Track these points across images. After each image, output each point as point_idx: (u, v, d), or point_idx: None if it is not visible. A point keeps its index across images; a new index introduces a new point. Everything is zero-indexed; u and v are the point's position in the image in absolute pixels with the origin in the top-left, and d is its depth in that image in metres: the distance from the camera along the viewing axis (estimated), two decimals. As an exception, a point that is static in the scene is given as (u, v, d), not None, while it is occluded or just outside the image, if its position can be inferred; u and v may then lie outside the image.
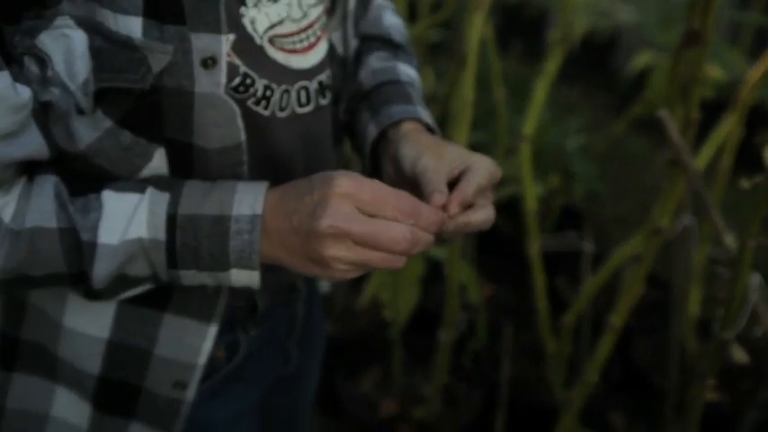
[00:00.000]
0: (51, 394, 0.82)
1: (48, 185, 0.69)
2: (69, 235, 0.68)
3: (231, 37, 0.69)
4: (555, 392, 1.64)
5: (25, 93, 0.65)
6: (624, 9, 3.04)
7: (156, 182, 0.71)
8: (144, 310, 0.77)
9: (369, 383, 1.79)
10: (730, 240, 0.90)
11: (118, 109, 0.67)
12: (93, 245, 0.68)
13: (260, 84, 0.72)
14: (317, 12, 0.76)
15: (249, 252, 0.68)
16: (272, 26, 0.72)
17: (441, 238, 0.73)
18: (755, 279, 0.93)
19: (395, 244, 0.66)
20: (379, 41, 0.93)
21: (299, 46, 0.75)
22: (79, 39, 0.65)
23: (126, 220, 0.69)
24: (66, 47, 0.65)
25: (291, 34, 0.74)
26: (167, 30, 0.66)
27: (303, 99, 0.77)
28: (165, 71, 0.66)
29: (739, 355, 1.01)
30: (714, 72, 1.77)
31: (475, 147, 2.43)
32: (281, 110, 0.75)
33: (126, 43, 0.65)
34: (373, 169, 0.85)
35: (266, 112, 0.74)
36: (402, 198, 0.68)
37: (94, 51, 0.65)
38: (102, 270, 0.69)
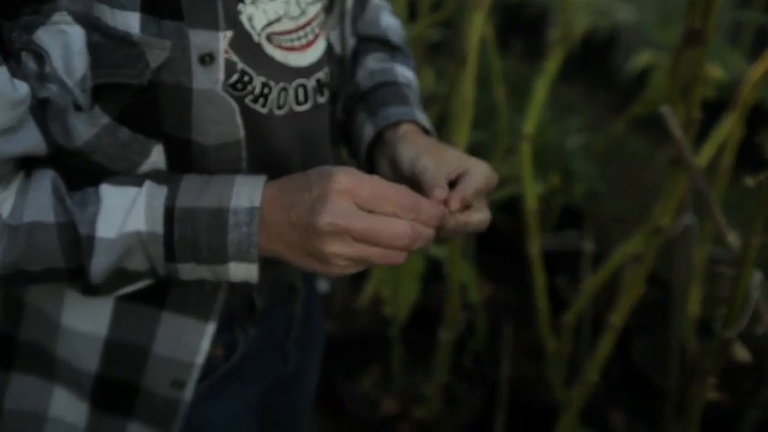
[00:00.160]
0: (49, 394, 0.82)
1: (45, 180, 0.69)
2: (67, 229, 0.68)
3: (229, 34, 0.69)
4: (555, 392, 1.64)
5: (23, 88, 0.65)
6: (624, 8, 3.04)
7: (154, 176, 0.71)
8: (142, 307, 0.77)
9: (369, 382, 1.79)
10: (733, 238, 0.90)
11: (115, 105, 0.67)
12: (91, 238, 0.68)
13: (257, 81, 0.72)
14: (315, 9, 0.76)
15: (247, 245, 0.68)
16: (270, 23, 0.72)
17: (439, 236, 0.73)
18: (757, 277, 0.93)
19: (395, 239, 0.66)
20: (377, 42, 0.93)
21: (296, 43, 0.75)
22: (77, 35, 0.64)
23: (124, 213, 0.68)
24: (63, 43, 0.65)
25: (289, 32, 0.74)
26: (165, 25, 0.66)
27: (301, 97, 0.77)
28: (162, 67, 0.66)
29: (742, 353, 1.01)
30: (715, 71, 1.77)
31: (475, 146, 2.43)
32: (279, 108, 0.75)
33: (124, 39, 0.65)
34: (369, 171, 0.85)
35: (264, 110, 0.74)
36: (402, 193, 0.68)
37: (92, 47, 0.65)
38: (100, 264, 0.69)
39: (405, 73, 0.91)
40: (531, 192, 1.62)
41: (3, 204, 0.68)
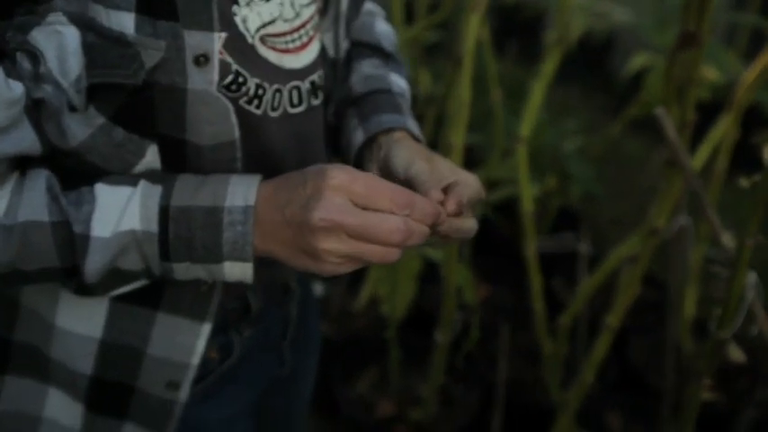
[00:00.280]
0: (44, 395, 0.82)
1: (40, 179, 0.69)
2: (62, 228, 0.68)
3: (223, 35, 0.69)
4: (552, 393, 1.64)
5: (18, 88, 0.65)
6: (620, 11, 3.05)
7: (149, 175, 0.71)
8: (136, 308, 0.77)
9: (365, 385, 1.79)
10: (727, 240, 0.90)
11: (110, 105, 0.67)
12: (85, 237, 0.68)
13: (252, 82, 0.72)
14: (309, 12, 0.76)
15: (242, 243, 0.68)
16: (264, 25, 0.72)
17: (429, 241, 0.72)
18: (752, 278, 0.93)
19: (389, 236, 0.65)
20: (370, 49, 0.93)
21: (291, 46, 0.75)
22: (72, 35, 0.65)
23: (119, 212, 0.68)
24: (58, 43, 0.65)
25: (283, 34, 0.74)
26: (160, 26, 0.66)
27: (295, 99, 0.77)
28: (157, 67, 0.67)
29: (736, 354, 1.02)
30: (710, 73, 1.77)
31: (472, 148, 2.43)
32: (274, 109, 0.75)
33: (119, 39, 0.65)
34: None
35: (258, 111, 0.74)
36: (397, 190, 0.68)
37: (87, 47, 0.65)
38: (94, 263, 0.69)
39: (399, 82, 0.91)
40: (528, 194, 1.63)
41: None
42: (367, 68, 0.90)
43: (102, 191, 0.69)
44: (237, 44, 0.71)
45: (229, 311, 0.83)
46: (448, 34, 2.92)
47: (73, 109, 0.67)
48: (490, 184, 2.08)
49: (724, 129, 1.47)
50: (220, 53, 0.69)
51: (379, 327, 1.80)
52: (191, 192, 0.69)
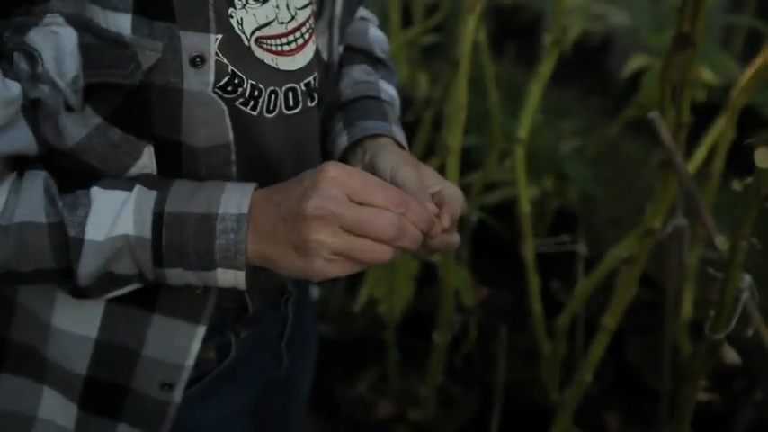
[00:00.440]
0: (39, 395, 0.83)
1: (37, 181, 0.69)
2: (58, 230, 0.69)
3: (219, 37, 0.70)
4: (550, 393, 1.65)
5: (15, 88, 0.66)
6: (617, 13, 3.06)
7: (145, 180, 0.71)
8: (132, 310, 0.77)
9: (364, 385, 1.80)
10: (720, 242, 0.91)
11: (107, 105, 0.68)
12: (79, 241, 0.68)
13: (248, 84, 0.73)
14: (305, 15, 0.77)
15: (235, 251, 0.68)
16: (260, 27, 0.73)
17: (417, 253, 0.73)
18: (746, 280, 0.94)
19: (383, 229, 0.65)
20: (362, 54, 0.94)
21: (286, 48, 0.75)
22: (68, 36, 0.65)
23: (113, 216, 0.69)
24: (55, 44, 0.65)
25: (279, 36, 0.75)
26: (157, 27, 0.66)
27: (291, 101, 0.77)
28: (154, 68, 0.67)
29: (731, 355, 1.02)
30: (706, 75, 1.78)
31: (469, 150, 2.43)
32: (269, 111, 0.76)
33: (116, 40, 0.65)
34: None
35: (254, 113, 0.75)
36: (392, 189, 0.68)
37: (84, 48, 0.65)
38: (87, 266, 0.69)
39: (388, 90, 0.92)
40: (525, 195, 1.63)
41: None
42: (357, 74, 0.91)
43: (98, 194, 0.69)
44: (233, 46, 0.71)
45: (226, 312, 0.84)
46: (445, 36, 2.93)
47: (69, 109, 0.67)
48: (488, 186, 2.09)
49: (720, 130, 1.48)
50: (216, 55, 0.70)
51: (378, 328, 1.81)
52: (185, 198, 0.70)
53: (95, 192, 0.70)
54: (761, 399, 1.72)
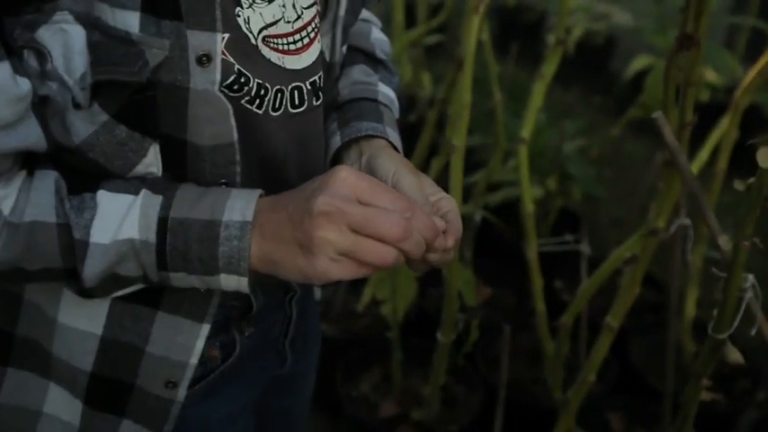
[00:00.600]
0: (44, 390, 0.83)
1: (48, 180, 0.70)
2: (66, 231, 0.69)
3: (226, 36, 0.70)
4: (553, 393, 1.65)
5: (25, 85, 0.66)
6: (620, 13, 3.06)
7: (152, 184, 0.72)
8: (137, 307, 0.78)
9: (368, 385, 1.80)
10: (724, 241, 0.91)
11: (114, 103, 0.68)
12: (84, 243, 0.69)
13: (254, 83, 0.73)
14: (311, 14, 0.77)
15: (238, 258, 0.68)
16: (267, 26, 0.73)
17: (416, 267, 0.73)
18: (750, 279, 0.94)
19: (388, 228, 0.65)
20: (364, 55, 0.95)
21: (293, 47, 0.76)
22: (77, 34, 0.66)
23: (119, 220, 0.69)
24: (64, 42, 0.66)
25: (286, 35, 0.75)
26: (164, 25, 0.67)
27: (297, 100, 0.78)
28: (161, 66, 0.67)
29: (734, 355, 1.02)
30: (709, 75, 1.78)
31: (473, 149, 2.43)
32: (275, 110, 0.76)
33: (123, 38, 0.66)
34: None
35: (260, 111, 0.75)
36: (399, 194, 0.69)
37: (92, 46, 0.66)
38: (92, 268, 0.70)
39: (386, 92, 0.92)
40: (529, 195, 1.63)
41: (3, 201, 0.69)
42: (357, 74, 0.92)
43: (104, 198, 0.70)
44: (240, 45, 0.72)
45: (231, 310, 0.84)
46: (449, 36, 2.93)
47: (77, 106, 0.67)
48: (491, 186, 2.09)
49: (723, 130, 1.48)
50: (223, 53, 0.70)
51: (381, 327, 1.81)
52: (190, 203, 0.70)
53: (101, 195, 0.70)
54: (764, 398, 1.71)
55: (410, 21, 2.29)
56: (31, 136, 0.69)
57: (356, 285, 1.95)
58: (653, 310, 2.03)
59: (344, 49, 0.88)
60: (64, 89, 0.67)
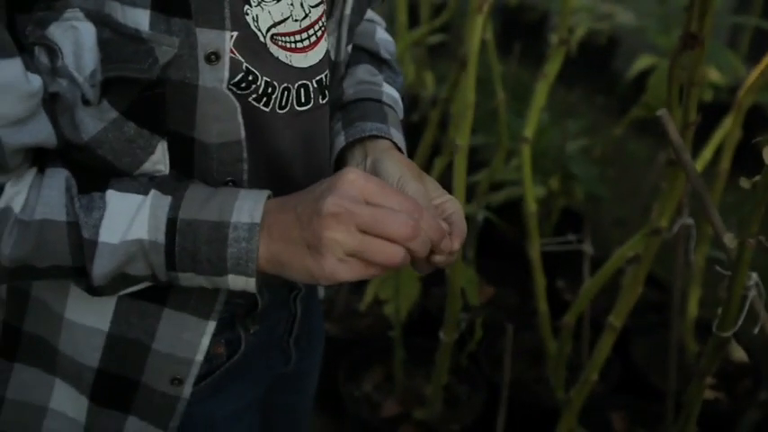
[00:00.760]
0: (50, 386, 0.84)
1: (59, 178, 0.70)
2: (76, 230, 0.70)
3: (234, 34, 0.70)
4: (555, 393, 1.65)
5: (36, 81, 0.67)
6: (623, 12, 3.06)
7: (161, 184, 0.72)
8: (144, 304, 0.78)
9: (370, 384, 1.80)
10: (728, 240, 0.91)
11: (123, 100, 0.69)
12: (93, 243, 0.69)
13: (262, 81, 0.74)
14: (318, 12, 0.78)
15: (246, 260, 0.69)
16: (275, 24, 0.73)
17: (419, 268, 0.73)
18: (754, 278, 0.94)
19: (397, 227, 0.66)
20: (368, 55, 0.95)
21: (300, 45, 0.76)
22: (88, 31, 0.66)
23: (128, 220, 0.70)
24: (74, 39, 0.66)
25: (293, 33, 0.75)
26: (174, 23, 0.67)
27: (303, 98, 0.78)
28: (170, 64, 0.68)
29: (738, 353, 1.02)
30: (713, 75, 1.78)
31: (476, 149, 2.43)
32: (281, 108, 0.76)
33: (133, 35, 0.66)
34: None
35: (267, 109, 0.75)
36: (407, 197, 0.69)
37: (102, 43, 0.66)
38: (101, 268, 0.70)
39: (391, 93, 0.93)
40: (531, 195, 1.64)
41: (15, 198, 0.70)
42: (361, 74, 0.92)
43: (113, 197, 0.70)
44: (249, 43, 0.72)
45: (236, 308, 0.85)
46: (452, 36, 2.93)
47: (87, 103, 0.68)
48: (494, 186, 2.09)
49: (727, 130, 1.48)
50: (231, 52, 0.71)
51: (384, 326, 1.81)
52: (199, 204, 0.70)
53: (110, 194, 0.70)
54: (766, 398, 1.72)
55: (413, 20, 2.30)
56: (43, 132, 0.69)
57: (359, 285, 1.95)
58: (655, 310, 2.03)
59: (349, 48, 0.89)
60: (74, 86, 0.67)
